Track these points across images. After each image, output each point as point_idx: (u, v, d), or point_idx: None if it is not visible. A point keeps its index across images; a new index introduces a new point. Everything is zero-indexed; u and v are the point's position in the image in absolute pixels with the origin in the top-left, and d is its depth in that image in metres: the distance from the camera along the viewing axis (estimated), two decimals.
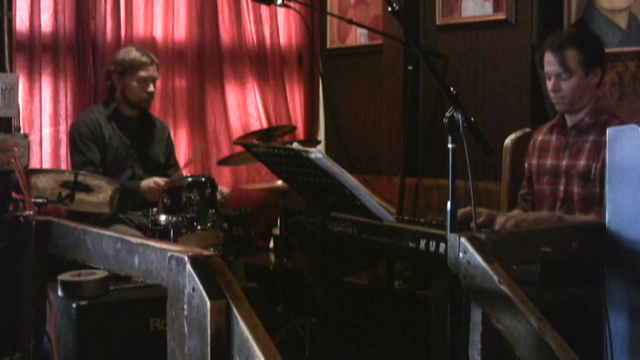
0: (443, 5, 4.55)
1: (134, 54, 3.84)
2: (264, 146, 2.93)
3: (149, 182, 3.70)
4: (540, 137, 3.17)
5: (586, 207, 2.93)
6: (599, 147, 2.88)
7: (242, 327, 1.54)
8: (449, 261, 2.13)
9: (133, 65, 3.80)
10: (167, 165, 4.06)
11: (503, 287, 1.98)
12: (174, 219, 3.29)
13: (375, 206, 2.54)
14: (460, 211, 2.75)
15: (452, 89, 2.29)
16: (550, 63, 2.96)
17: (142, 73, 3.81)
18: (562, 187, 3.01)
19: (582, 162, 2.95)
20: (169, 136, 4.13)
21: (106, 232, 2.02)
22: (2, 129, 2.64)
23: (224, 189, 3.79)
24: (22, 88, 3.86)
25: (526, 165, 3.23)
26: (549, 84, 2.99)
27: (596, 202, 2.87)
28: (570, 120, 3.04)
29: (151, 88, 3.85)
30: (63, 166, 4.03)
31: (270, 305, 4.13)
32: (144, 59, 3.83)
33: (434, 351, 2.96)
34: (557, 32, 3.07)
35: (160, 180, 3.64)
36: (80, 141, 3.75)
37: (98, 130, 3.78)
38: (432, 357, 3.00)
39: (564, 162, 3.01)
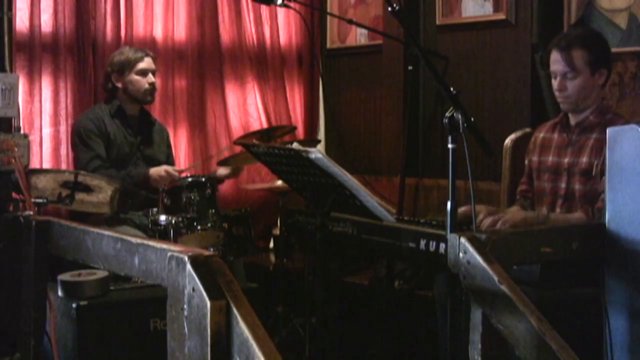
0: (443, 5, 4.54)
1: (127, 51, 3.90)
2: (264, 146, 2.92)
3: (159, 171, 3.71)
4: (541, 135, 3.17)
5: (587, 203, 2.93)
6: (601, 145, 2.87)
7: (242, 327, 1.53)
8: (449, 261, 2.13)
9: (130, 61, 3.84)
10: (167, 164, 4.06)
11: (503, 287, 1.98)
12: (174, 219, 3.29)
13: (375, 206, 2.54)
14: (460, 210, 2.75)
15: (452, 89, 2.29)
16: (556, 62, 2.95)
17: (141, 65, 3.85)
18: (563, 185, 3.01)
19: (584, 160, 2.95)
20: (168, 138, 4.14)
21: (106, 232, 2.02)
22: (2, 129, 2.64)
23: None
24: (22, 88, 3.86)
25: (526, 162, 3.23)
26: (555, 83, 2.98)
27: (597, 199, 2.88)
28: (574, 119, 3.04)
29: (152, 78, 3.89)
30: (63, 166, 4.03)
31: (270, 305, 4.13)
32: (138, 53, 3.89)
33: (441, 351, 2.95)
34: (564, 32, 3.06)
35: (172, 170, 3.66)
36: (87, 137, 3.75)
37: (102, 126, 3.80)
38: (436, 357, 3.00)
39: (566, 160, 3.01)
